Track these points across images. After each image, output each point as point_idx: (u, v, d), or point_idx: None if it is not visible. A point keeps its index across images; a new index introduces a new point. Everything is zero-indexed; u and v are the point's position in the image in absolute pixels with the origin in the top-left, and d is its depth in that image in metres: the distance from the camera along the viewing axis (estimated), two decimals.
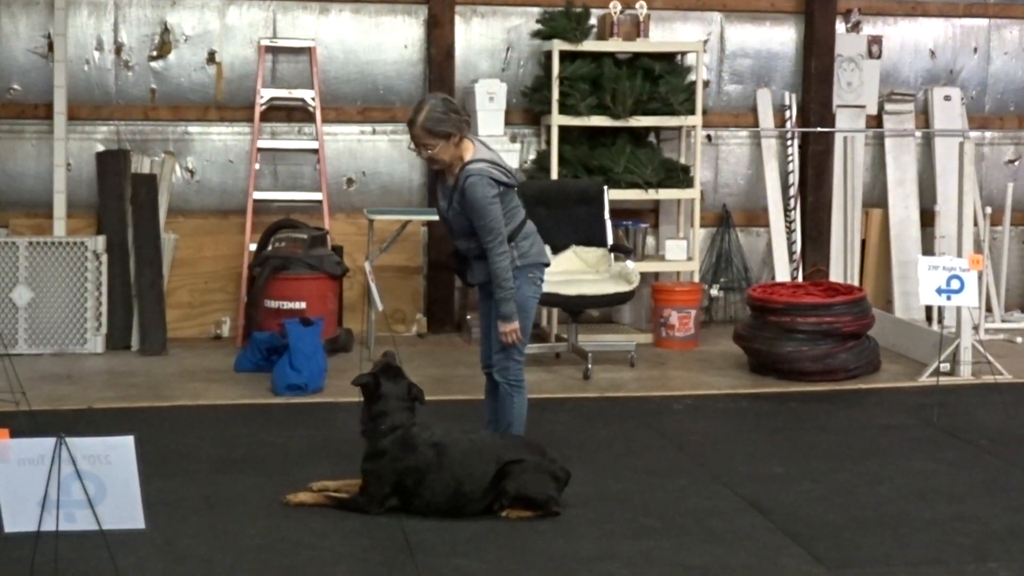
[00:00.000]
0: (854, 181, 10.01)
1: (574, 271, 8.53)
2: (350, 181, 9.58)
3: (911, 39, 10.34)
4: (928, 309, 9.54)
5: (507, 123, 9.38)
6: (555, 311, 9.13)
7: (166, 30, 9.28)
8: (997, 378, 7.90)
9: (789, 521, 5.41)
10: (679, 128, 9.57)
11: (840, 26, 10.07)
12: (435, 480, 5.37)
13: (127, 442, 4.18)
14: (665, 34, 9.80)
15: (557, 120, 9.11)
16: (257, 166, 9.21)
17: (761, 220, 10.11)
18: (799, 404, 7.60)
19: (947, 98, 10.28)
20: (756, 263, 10.18)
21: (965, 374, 8.13)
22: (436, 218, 9.01)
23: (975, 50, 10.43)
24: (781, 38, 10.10)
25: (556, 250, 8.63)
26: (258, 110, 9.17)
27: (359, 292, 9.13)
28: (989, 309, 9.77)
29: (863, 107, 10.15)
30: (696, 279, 9.46)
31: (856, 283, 9.75)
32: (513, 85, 9.52)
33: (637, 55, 9.34)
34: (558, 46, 9.07)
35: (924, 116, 10.35)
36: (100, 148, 9.19)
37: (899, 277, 10.07)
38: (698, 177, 9.39)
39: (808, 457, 6.44)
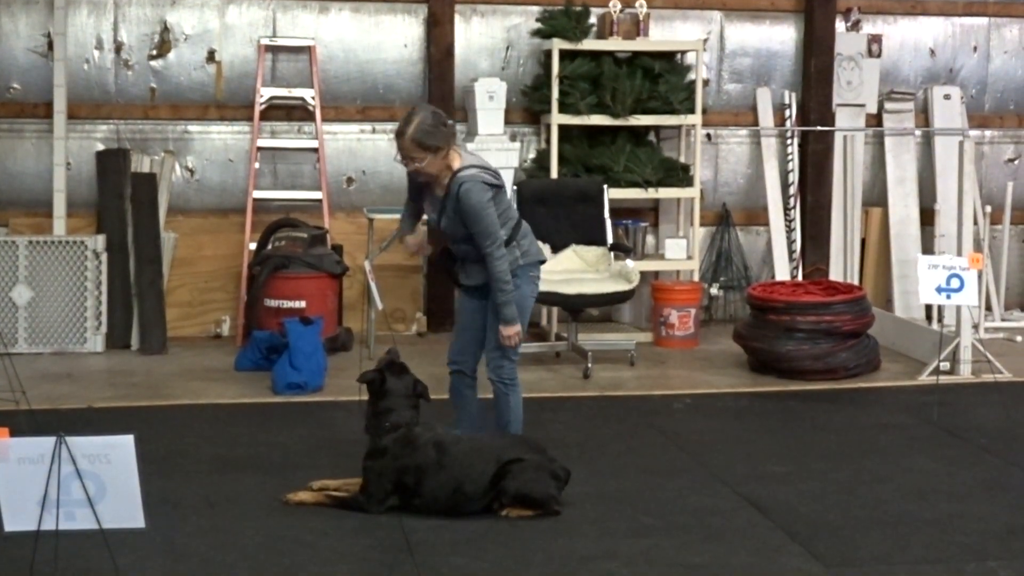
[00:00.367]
0: (854, 180, 10.01)
1: (574, 270, 8.53)
2: (350, 180, 9.58)
3: (911, 38, 10.34)
4: (928, 308, 9.53)
5: (507, 122, 9.38)
6: (555, 310, 9.12)
7: (166, 29, 9.28)
8: (997, 377, 7.90)
9: (789, 520, 5.41)
10: (679, 127, 9.57)
11: (840, 25, 10.07)
12: (435, 479, 5.37)
13: (127, 441, 4.18)
14: (665, 33, 9.80)
15: (557, 119, 9.11)
16: (257, 165, 9.21)
17: (761, 219, 10.11)
18: (799, 403, 7.60)
19: (947, 97, 10.28)
20: (756, 262, 10.18)
21: (965, 373, 8.13)
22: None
23: (975, 49, 10.43)
24: (781, 37, 10.10)
25: (556, 249, 8.64)
26: (258, 109, 9.17)
27: (359, 291, 9.13)
28: (989, 308, 9.77)
29: (863, 106, 10.14)
30: (696, 278, 9.46)
31: (856, 282, 9.75)
32: (513, 84, 9.52)
33: (637, 54, 9.34)
34: (558, 45, 9.07)
35: (924, 115, 10.35)
36: (100, 147, 9.19)
37: (899, 276, 10.07)
38: (698, 176, 9.39)
39: (808, 456, 6.45)
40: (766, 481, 5.97)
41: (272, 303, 8.56)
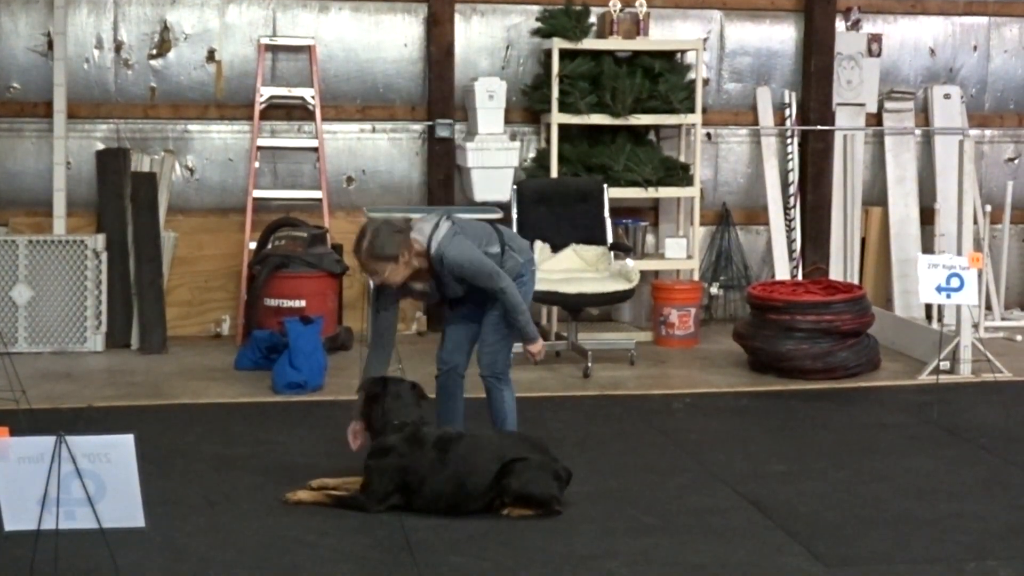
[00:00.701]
0: (854, 179, 10.01)
1: (574, 269, 8.53)
2: (350, 179, 9.58)
3: (911, 37, 10.34)
4: (928, 307, 9.54)
5: (507, 121, 9.38)
6: (555, 309, 9.12)
7: (166, 28, 9.28)
8: (997, 376, 7.90)
9: (789, 519, 5.41)
10: (679, 126, 9.57)
11: (840, 24, 10.06)
12: (438, 477, 5.37)
13: (127, 440, 4.18)
14: (665, 32, 9.80)
15: (557, 118, 9.11)
16: (257, 164, 9.21)
17: (761, 218, 10.11)
18: (799, 402, 7.60)
19: (947, 96, 10.28)
20: (756, 261, 10.18)
21: (965, 372, 8.13)
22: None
23: (975, 48, 10.43)
24: (781, 36, 10.10)
25: (556, 248, 8.64)
26: (258, 108, 9.17)
27: (359, 290, 9.13)
28: (989, 307, 9.77)
29: (863, 105, 10.14)
30: (696, 277, 9.46)
31: (856, 281, 9.75)
32: (513, 83, 9.52)
33: (637, 53, 9.34)
34: (558, 44, 9.07)
35: (924, 114, 10.35)
36: (100, 146, 9.19)
37: (899, 275, 10.07)
38: (698, 175, 9.39)
39: (808, 455, 6.45)
40: (766, 480, 5.97)
41: (272, 302, 8.56)
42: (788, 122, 10.07)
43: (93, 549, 4.56)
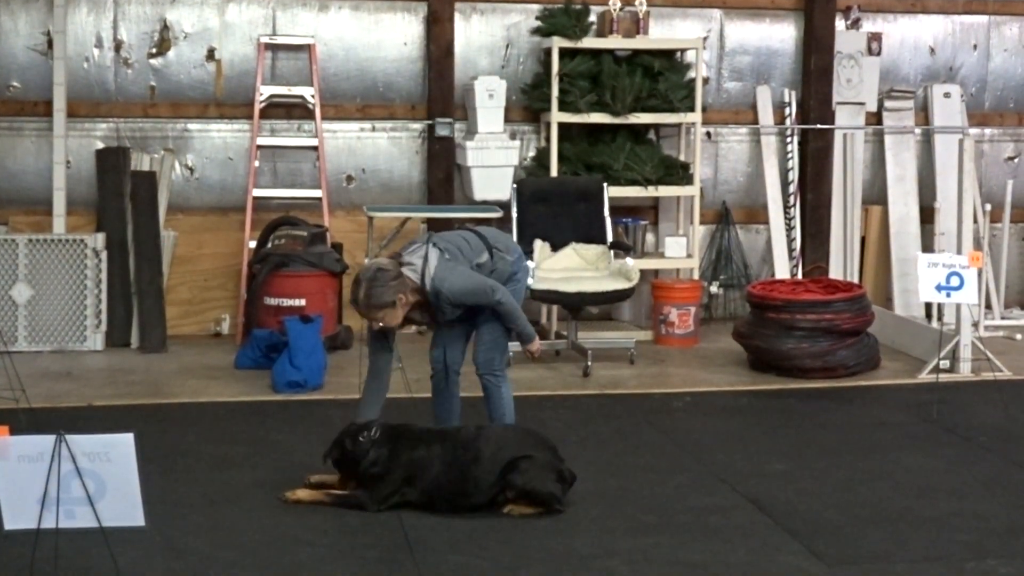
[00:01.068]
0: (854, 178, 10.01)
1: (574, 268, 8.53)
2: (350, 178, 9.58)
3: (911, 36, 10.34)
4: (928, 306, 9.54)
5: (506, 120, 9.38)
6: (555, 308, 9.12)
7: (165, 27, 9.28)
8: (997, 375, 7.90)
9: (788, 518, 5.41)
10: (679, 125, 9.57)
11: (840, 23, 10.07)
12: (445, 465, 5.37)
13: (127, 439, 4.18)
14: (664, 31, 9.80)
15: (557, 117, 9.11)
16: (256, 163, 9.21)
17: (761, 217, 10.11)
18: (798, 401, 7.60)
19: (947, 95, 10.29)
20: (756, 260, 10.18)
21: (965, 371, 8.13)
22: (436, 215, 9.11)
23: (975, 47, 10.43)
24: (781, 35, 10.10)
25: (556, 247, 8.64)
26: (257, 107, 9.17)
27: None
28: (989, 306, 9.77)
29: (863, 104, 10.15)
30: (696, 276, 9.46)
31: (856, 280, 9.74)
32: (513, 82, 9.52)
33: (637, 52, 9.34)
34: (558, 43, 9.07)
35: (924, 113, 10.35)
36: (100, 145, 9.19)
37: (899, 274, 10.07)
38: (698, 174, 9.38)
39: (807, 454, 6.45)
40: (766, 479, 5.97)
41: (272, 301, 8.56)
42: (788, 121, 10.07)
43: (93, 548, 4.56)
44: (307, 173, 9.47)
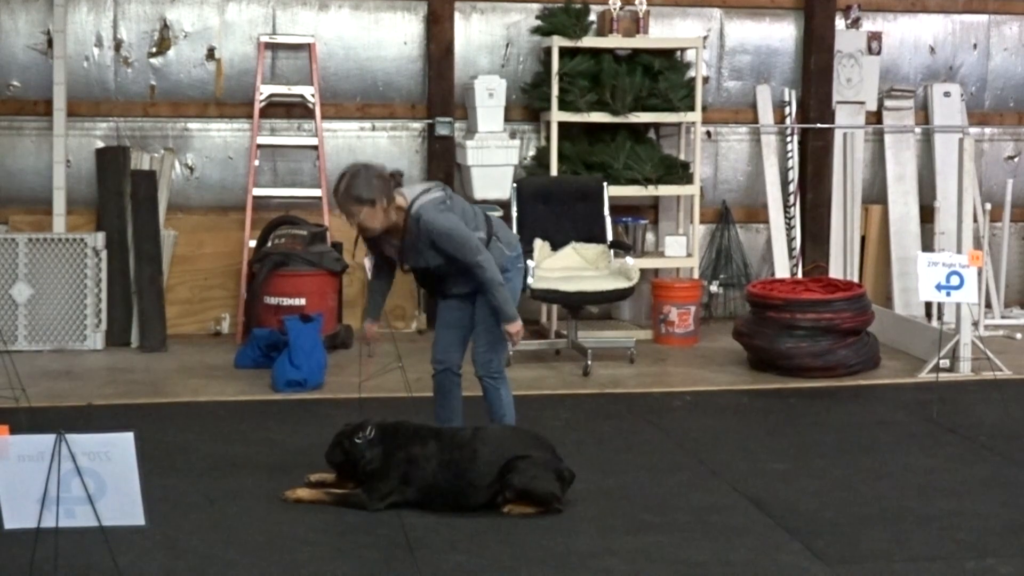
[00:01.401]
0: (854, 177, 10.00)
1: (574, 267, 8.53)
2: None
3: (911, 35, 10.34)
4: (928, 305, 9.55)
5: (506, 119, 9.38)
6: (555, 307, 9.12)
7: (165, 26, 9.28)
8: (996, 374, 7.90)
9: (788, 517, 5.41)
10: (679, 124, 9.57)
11: (840, 22, 10.07)
12: (442, 464, 5.37)
13: (127, 438, 4.17)
14: (664, 30, 9.80)
15: (557, 116, 9.11)
16: (256, 162, 9.21)
17: (761, 216, 10.11)
18: (798, 400, 7.60)
19: (947, 94, 10.29)
20: (756, 259, 10.18)
21: (964, 370, 8.13)
22: None
23: (975, 46, 10.43)
24: (781, 34, 10.10)
25: (556, 246, 8.65)
26: (257, 106, 9.17)
27: (359, 288, 9.14)
28: (989, 305, 9.77)
29: (863, 103, 10.15)
30: (696, 275, 9.46)
31: (856, 279, 9.74)
32: (513, 81, 9.52)
33: (637, 51, 9.34)
34: (558, 42, 9.07)
35: (924, 112, 10.35)
36: (100, 145, 9.19)
37: (899, 273, 10.07)
38: (698, 173, 9.39)
39: (807, 453, 6.45)
40: (766, 478, 5.97)
41: (272, 300, 8.57)
42: (788, 120, 10.07)
43: (93, 547, 4.56)
44: (307, 172, 9.47)
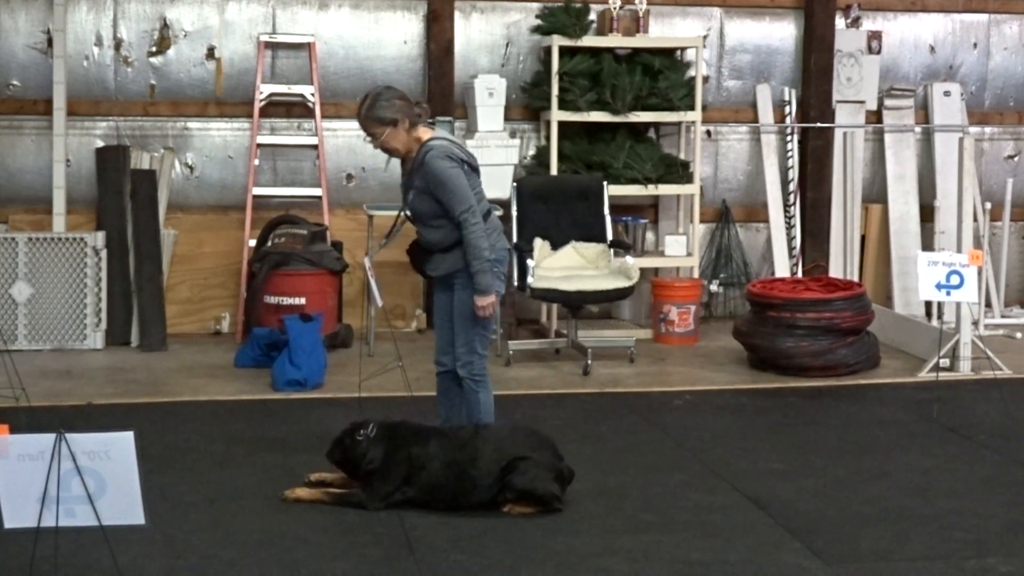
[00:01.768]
0: (854, 177, 10.01)
1: (573, 267, 8.53)
2: (350, 177, 9.58)
3: (911, 34, 10.34)
4: (928, 305, 9.55)
5: (506, 119, 9.38)
6: (555, 307, 9.12)
7: (165, 26, 9.28)
8: (996, 374, 7.90)
9: (788, 516, 5.41)
10: (679, 124, 9.57)
11: (840, 21, 10.07)
12: (443, 464, 5.37)
13: (127, 438, 4.17)
14: (664, 30, 9.80)
15: (557, 116, 9.11)
16: (256, 162, 9.21)
17: (761, 216, 10.11)
18: (798, 399, 7.60)
19: (947, 94, 10.29)
20: (756, 259, 10.18)
21: (964, 370, 8.13)
22: None
23: (975, 45, 10.43)
24: (781, 33, 10.10)
25: (555, 246, 8.65)
26: (257, 106, 9.17)
27: (359, 288, 9.13)
28: (989, 305, 9.77)
29: (863, 103, 10.15)
30: (696, 275, 9.46)
31: (856, 279, 9.74)
32: (512, 81, 9.52)
33: (637, 51, 9.34)
34: (558, 42, 9.07)
35: (924, 112, 10.36)
36: (99, 144, 9.19)
37: (899, 273, 10.07)
38: (698, 173, 9.39)
39: (807, 452, 6.45)
40: (765, 477, 5.97)
41: (272, 300, 8.57)
42: (788, 119, 10.07)
43: (93, 546, 4.56)
44: (307, 172, 9.47)
